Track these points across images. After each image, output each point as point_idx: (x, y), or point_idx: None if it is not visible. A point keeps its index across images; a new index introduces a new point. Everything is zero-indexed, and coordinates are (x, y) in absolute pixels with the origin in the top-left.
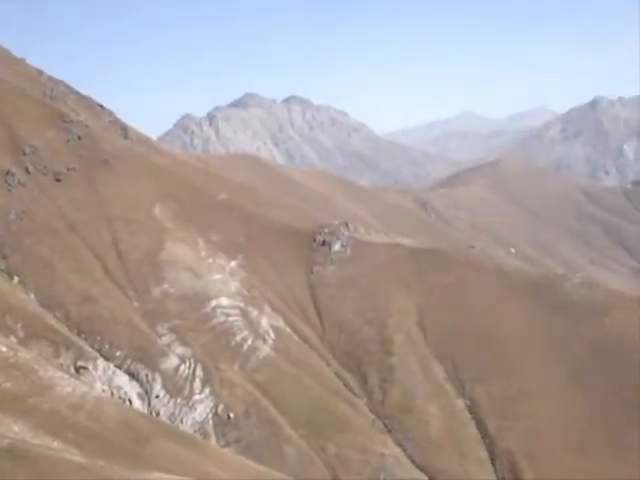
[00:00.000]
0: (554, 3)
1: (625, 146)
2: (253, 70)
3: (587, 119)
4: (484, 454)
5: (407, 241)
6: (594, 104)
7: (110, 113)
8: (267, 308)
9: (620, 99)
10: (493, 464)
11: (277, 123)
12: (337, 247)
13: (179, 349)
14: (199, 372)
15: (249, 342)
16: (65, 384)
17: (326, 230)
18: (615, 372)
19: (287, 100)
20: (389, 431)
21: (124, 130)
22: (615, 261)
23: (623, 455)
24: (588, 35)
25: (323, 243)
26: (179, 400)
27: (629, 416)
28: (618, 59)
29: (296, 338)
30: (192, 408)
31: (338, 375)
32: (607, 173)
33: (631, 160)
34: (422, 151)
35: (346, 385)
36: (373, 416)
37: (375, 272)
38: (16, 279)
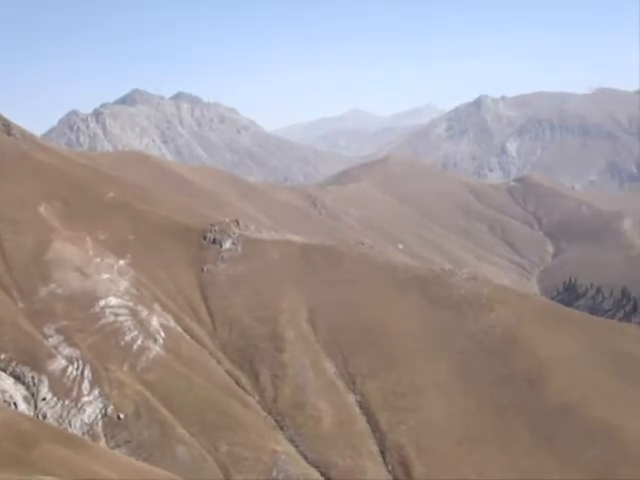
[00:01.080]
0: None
1: (508, 144)
2: (140, 66)
3: (472, 117)
4: (375, 448)
5: (297, 238)
6: (478, 102)
7: None
8: (157, 307)
9: (503, 98)
10: (384, 457)
11: (165, 120)
12: (228, 245)
13: (67, 350)
14: (88, 373)
15: (139, 342)
16: None
17: (216, 228)
18: (500, 364)
19: (175, 97)
20: (281, 428)
21: (7, 127)
22: (500, 256)
23: (509, 445)
24: (471, 35)
25: (214, 241)
26: (67, 402)
27: (514, 407)
28: (502, 59)
29: (187, 337)
30: (81, 410)
31: (230, 373)
32: (491, 170)
33: (514, 157)
34: (312, 148)
35: (238, 383)
36: (265, 413)
37: (266, 269)
38: None
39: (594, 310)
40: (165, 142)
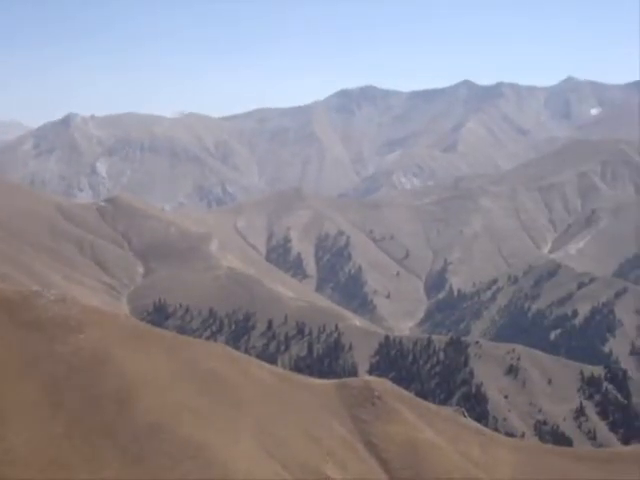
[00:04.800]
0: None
1: (98, 163)
2: None
3: (60, 135)
4: None
5: None
6: (67, 121)
7: None
8: None
9: (93, 117)
10: None
11: None
12: None
13: None
14: None
15: None
16: None
17: None
18: (89, 386)
19: None
20: None
21: None
22: (90, 277)
23: (98, 470)
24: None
25: None
26: None
27: (103, 429)
28: (93, 76)
29: None
30: None
31: None
32: (81, 190)
33: (104, 178)
34: None
35: None
36: None
37: None
38: None
39: (183, 330)
40: None
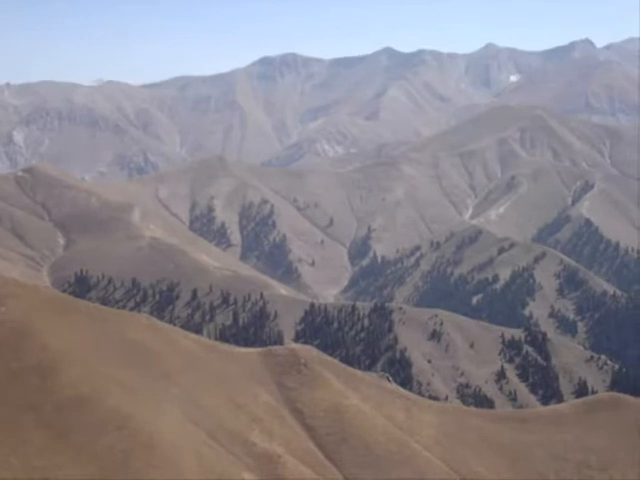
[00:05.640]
0: None
1: (15, 133)
2: None
3: None
4: None
5: None
6: None
7: None
8: None
9: (8, 85)
10: None
11: None
12: None
13: None
14: None
15: None
16: None
17: None
18: (13, 359)
19: None
20: None
21: None
22: (8, 249)
23: (19, 445)
24: None
25: None
26: None
27: (25, 404)
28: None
29: None
30: None
31: None
32: None
33: (22, 147)
34: None
35: None
36: None
37: None
38: None
39: (106, 301)
40: None
